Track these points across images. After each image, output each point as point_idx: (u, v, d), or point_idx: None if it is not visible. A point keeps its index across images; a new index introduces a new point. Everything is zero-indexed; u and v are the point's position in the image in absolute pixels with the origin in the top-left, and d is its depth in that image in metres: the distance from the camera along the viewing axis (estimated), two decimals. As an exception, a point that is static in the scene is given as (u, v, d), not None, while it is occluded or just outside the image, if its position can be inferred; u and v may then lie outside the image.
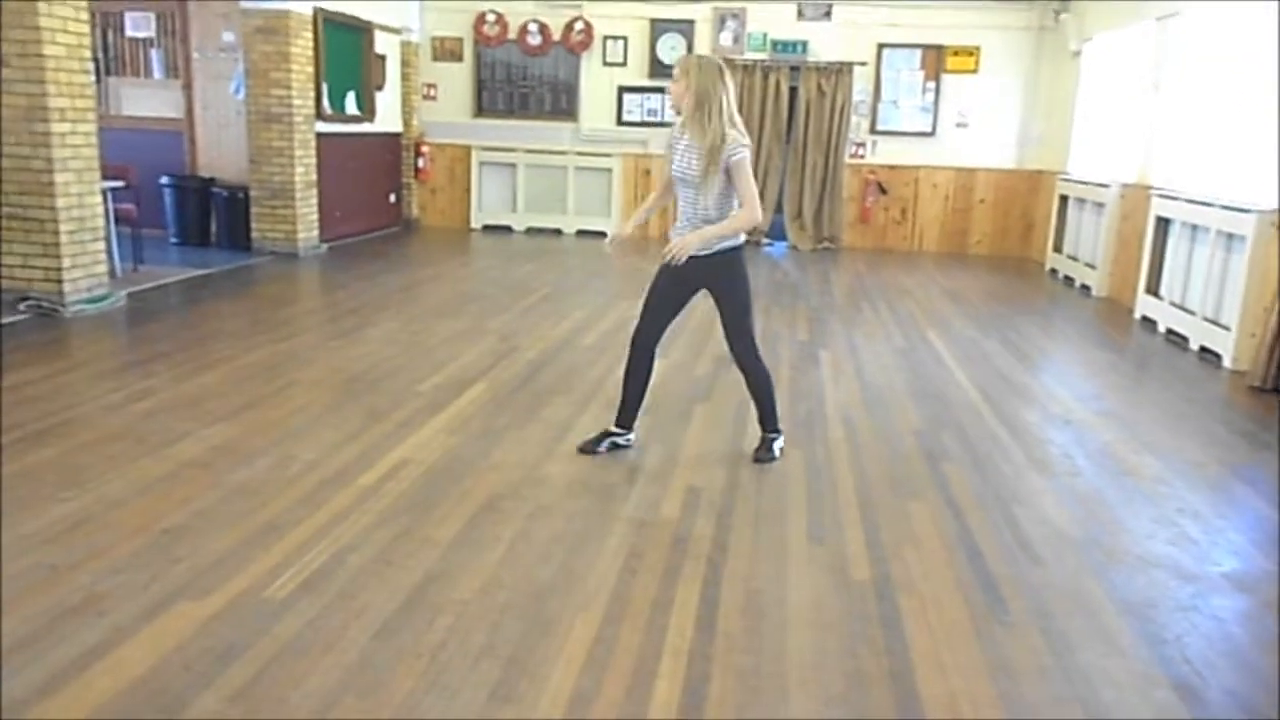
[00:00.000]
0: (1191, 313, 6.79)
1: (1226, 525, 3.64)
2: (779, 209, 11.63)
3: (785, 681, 2.46)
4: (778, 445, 4.13)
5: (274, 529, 3.22)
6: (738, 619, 2.76)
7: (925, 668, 2.54)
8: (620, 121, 11.69)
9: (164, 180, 9.31)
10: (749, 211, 3.75)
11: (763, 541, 3.30)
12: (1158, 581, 3.12)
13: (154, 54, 9.88)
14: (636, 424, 4.17)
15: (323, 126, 9.45)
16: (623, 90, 11.62)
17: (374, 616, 2.69)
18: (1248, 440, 4.77)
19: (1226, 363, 6.16)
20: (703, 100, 3.71)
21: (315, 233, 9.40)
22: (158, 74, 9.90)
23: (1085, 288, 8.98)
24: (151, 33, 9.80)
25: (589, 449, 4.08)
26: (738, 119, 3.80)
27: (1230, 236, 6.40)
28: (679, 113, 3.85)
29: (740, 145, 3.73)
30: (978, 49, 11.11)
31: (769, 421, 4.13)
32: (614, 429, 4.14)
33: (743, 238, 3.95)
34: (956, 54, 11.15)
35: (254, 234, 9.13)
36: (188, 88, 9.71)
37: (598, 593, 2.88)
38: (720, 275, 3.93)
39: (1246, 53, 6.82)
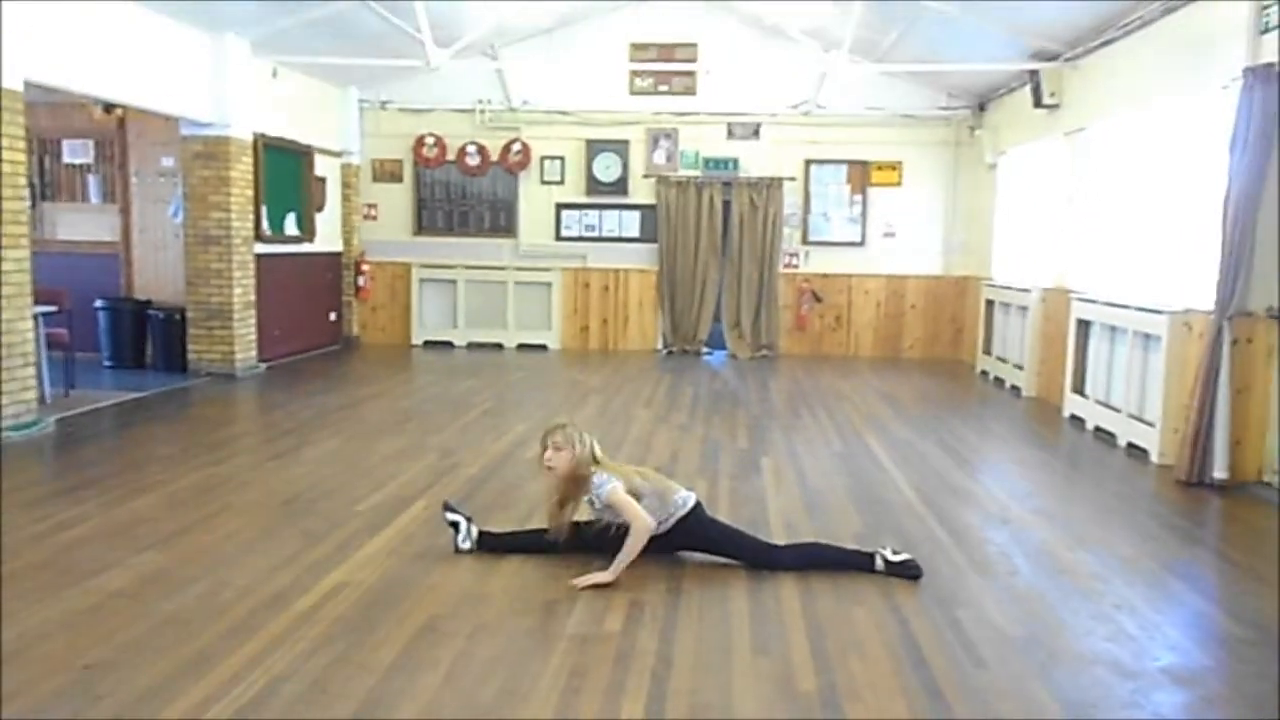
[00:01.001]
0: (1117, 410, 7.01)
1: (1162, 620, 3.69)
2: (717, 318, 11.86)
3: (733, 799, 2.41)
4: (889, 555, 4.06)
5: (204, 660, 3.12)
6: (683, 735, 2.72)
7: (873, 778, 2.52)
8: (559, 237, 11.93)
9: (98, 303, 9.23)
10: (637, 531, 3.89)
11: (707, 654, 3.27)
12: (1099, 679, 3.15)
13: (91, 179, 9.91)
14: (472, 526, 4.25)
15: (262, 248, 9.49)
16: (560, 207, 11.90)
17: (309, 749, 2.59)
18: (1178, 534, 4.88)
19: (1153, 458, 6.34)
20: (580, 471, 4.03)
21: (253, 353, 9.33)
22: (95, 199, 9.92)
23: (1015, 388, 9.23)
24: (89, 159, 9.85)
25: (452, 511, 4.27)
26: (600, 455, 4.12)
27: (1147, 336, 6.67)
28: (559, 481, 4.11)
29: (598, 482, 4.00)
30: (900, 163, 11.63)
31: (863, 559, 4.09)
32: (465, 520, 4.24)
33: (690, 503, 4.11)
34: (880, 168, 11.65)
35: (190, 355, 9.03)
36: (125, 212, 9.75)
37: (540, 713, 2.82)
38: (692, 539, 4.13)
39: (1148, 163, 7.26)
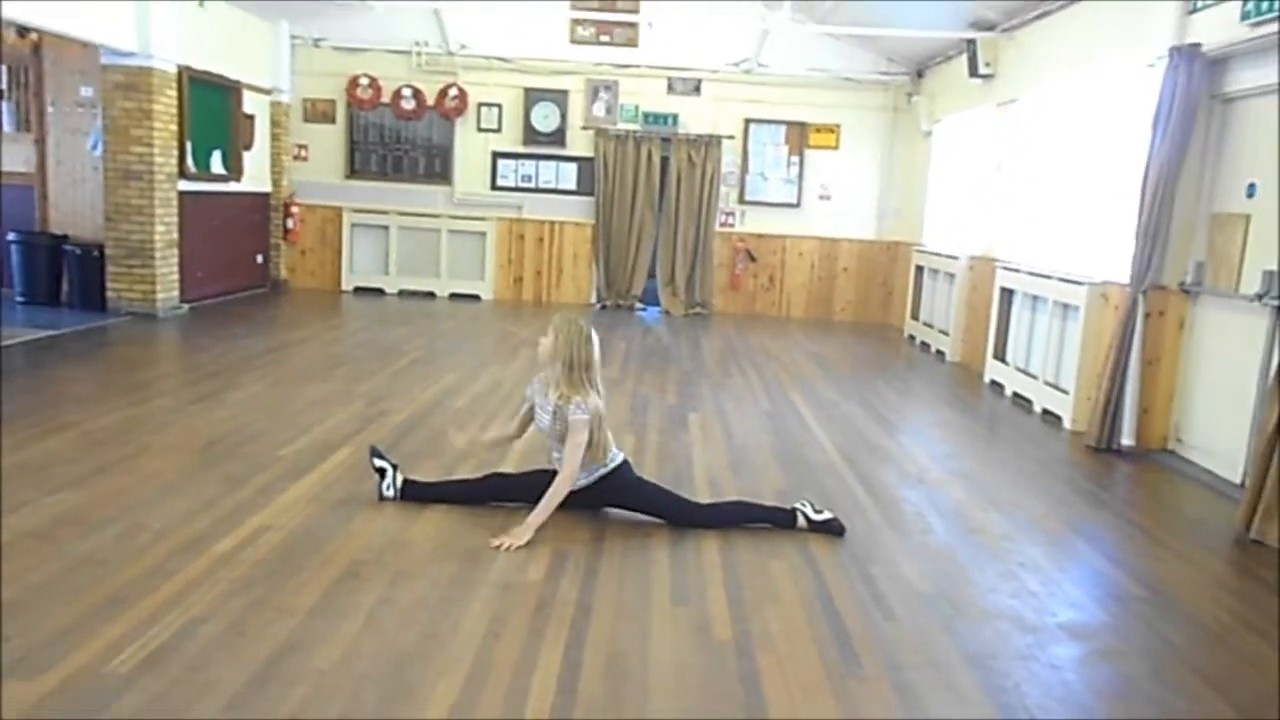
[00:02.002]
0: (1034, 377, 7.23)
1: (1064, 578, 3.86)
2: (652, 274, 11.88)
3: (646, 742, 2.48)
4: (810, 513, 4.15)
5: (119, 601, 3.08)
6: (600, 682, 2.78)
7: (782, 723, 2.61)
8: (494, 186, 11.79)
9: (11, 236, 8.88)
10: (561, 480, 3.92)
11: (627, 603, 3.33)
12: (1001, 633, 3.28)
13: (4, 106, 9.49)
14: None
15: (186, 185, 9.20)
16: (497, 156, 11.74)
17: (224, 690, 2.59)
18: (1084, 498, 5.08)
19: (1066, 424, 6.56)
20: (565, 361, 3.96)
21: (175, 293, 9.09)
22: (7, 127, 9.50)
23: (940, 353, 9.45)
24: (2, 85, 9.41)
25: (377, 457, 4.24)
26: (598, 379, 4.04)
27: (1066, 306, 6.87)
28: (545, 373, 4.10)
29: (580, 407, 3.92)
30: (838, 126, 11.70)
31: (785, 516, 4.16)
32: (391, 468, 4.22)
33: (617, 460, 4.11)
34: (819, 131, 11.71)
35: (109, 294, 8.76)
36: (40, 142, 9.35)
37: (459, 658, 2.86)
38: (616, 496, 4.14)
39: (1074, 137, 7.43)
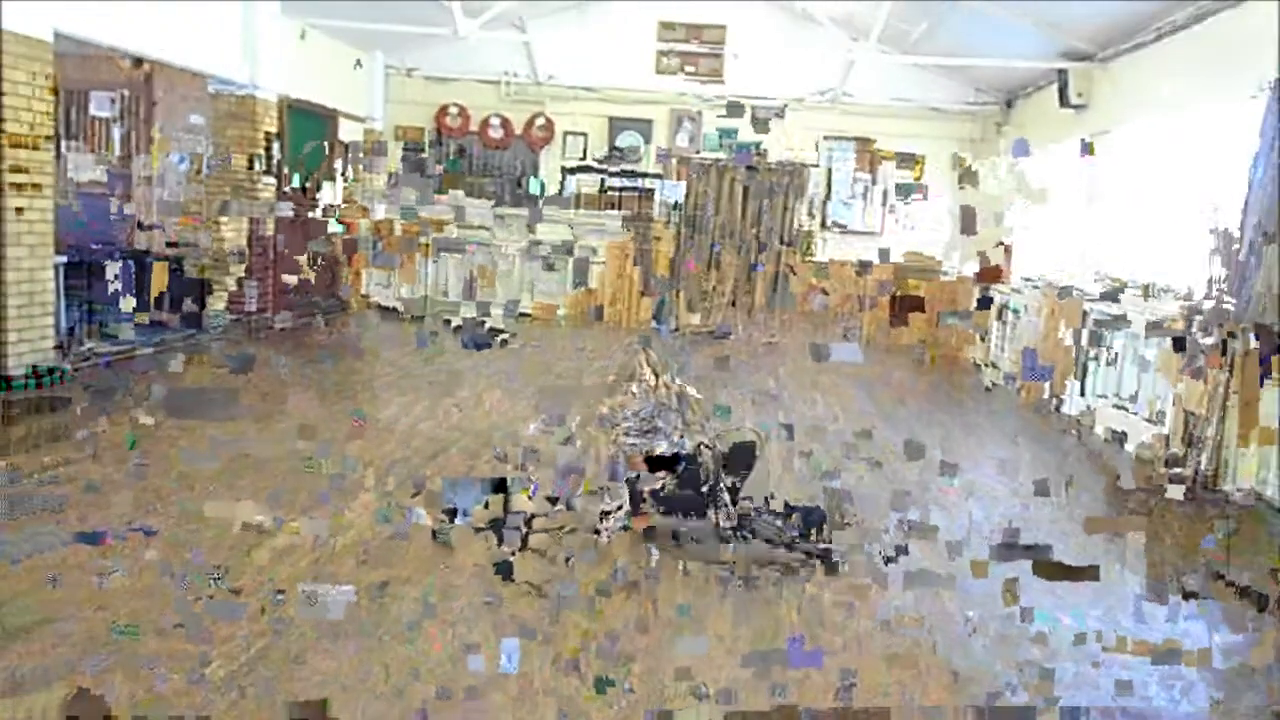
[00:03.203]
0: (1127, 410, 7.03)
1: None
2: (732, 303, 11.88)
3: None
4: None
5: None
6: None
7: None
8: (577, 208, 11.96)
9: (117, 254, 9.29)
10: None
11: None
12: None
13: (115, 131, 9.98)
14: None
15: (284, 207, 9.54)
16: (566, 171, 11.92)
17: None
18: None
19: (1157, 462, 6.35)
20: None
21: (269, 310, 9.41)
22: (118, 152, 9.99)
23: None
24: (115, 113, 9.91)
25: None
26: None
27: (1156, 338, 6.66)
28: None
29: None
30: (922, 158, 11.60)
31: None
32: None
33: None
34: (901, 162, 11.62)
35: (206, 309, 9.12)
36: (146, 164, 9.80)
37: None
38: None
39: (1170, 170, 7.24)
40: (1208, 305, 6.19)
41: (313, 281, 10.50)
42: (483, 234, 11.89)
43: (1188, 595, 3.77)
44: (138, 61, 9.35)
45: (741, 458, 4.36)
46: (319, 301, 10.64)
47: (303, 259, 10.11)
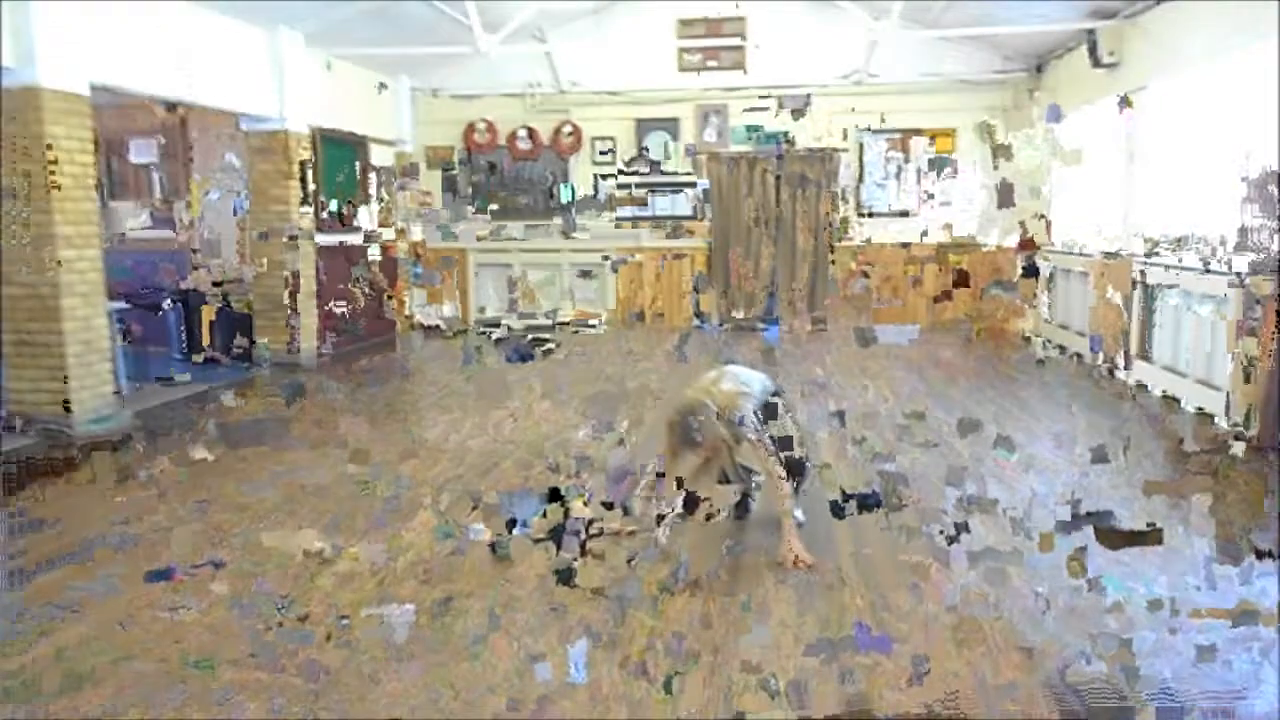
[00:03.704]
0: (1184, 375, 6.88)
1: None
2: (771, 294, 11.81)
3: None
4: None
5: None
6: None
7: None
8: (612, 217, 11.97)
9: (166, 299, 9.51)
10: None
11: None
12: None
13: (156, 177, 10.21)
14: None
15: (321, 238, 9.69)
16: (612, 199, 11.94)
17: None
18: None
19: (1222, 423, 6.21)
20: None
21: (314, 343, 9.55)
22: (159, 196, 10.21)
23: (1079, 356, 9.08)
24: (154, 158, 10.14)
25: None
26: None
27: (1214, 299, 6.52)
28: None
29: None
30: (954, 130, 11.44)
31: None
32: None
33: None
34: (934, 136, 11.47)
35: (256, 346, 9.27)
36: (188, 206, 10.00)
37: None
38: None
39: (1209, 124, 7.06)
40: (1249, 257, 6.05)
41: (359, 307, 10.65)
42: (518, 248, 11.99)
43: (1260, 555, 3.67)
44: (171, 106, 9.54)
45: (792, 470, 4.33)
46: (364, 326, 10.78)
47: (348, 285, 10.26)
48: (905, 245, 11.56)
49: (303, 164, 9.23)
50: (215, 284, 9.62)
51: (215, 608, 3.60)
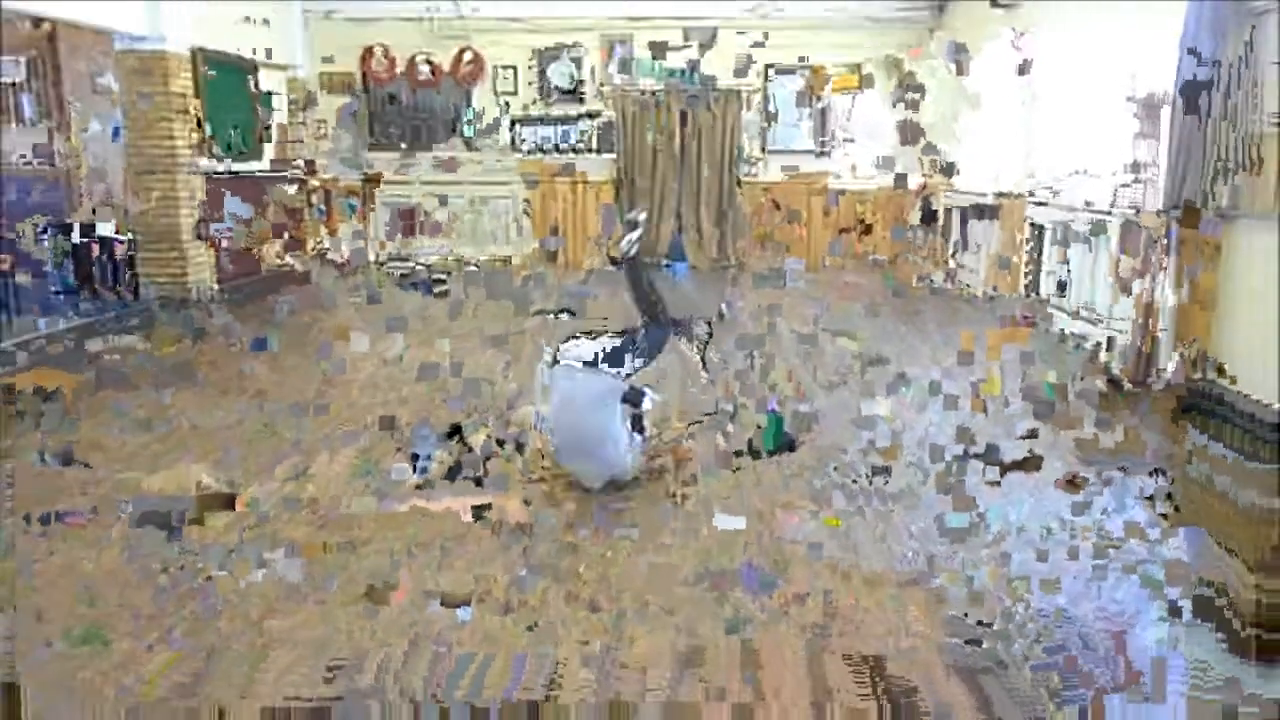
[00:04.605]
0: (1070, 311, 7.13)
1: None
2: (678, 230, 11.78)
3: None
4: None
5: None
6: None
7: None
8: (515, 149, 11.72)
9: (42, 229, 8.98)
10: None
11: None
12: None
13: (25, 98, 9.57)
14: None
15: (208, 167, 9.24)
16: (515, 121, 11.67)
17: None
18: (1115, 429, 4.99)
19: (1102, 356, 6.45)
20: None
21: (206, 275, 9.16)
22: (29, 118, 9.59)
23: (981, 295, 9.31)
24: (21, 77, 9.49)
25: None
26: None
27: (1095, 236, 6.73)
28: None
29: None
30: (859, 67, 11.48)
31: None
32: None
33: None
34: (839, 74, 11.49)
35: (141, 280, 8.86)
36: (63, 131, 9.42)
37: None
38: None
39: (1101, 60, 7.21)
40: (1134, 191, 6.27)
41: (258, 244, 10.25)
42: (420, 180, 11.67)
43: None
44: (37, 22, 8.91)
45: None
46: (264, 264, 10.39)
47: (244, 220, 9.84)
48: (813, 183, 11.64)
49: (183, 91, 8.73)
50: (98, 217, 9.13)
51: (105, 552, 3.45)
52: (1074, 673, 2.68)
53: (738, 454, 4.47)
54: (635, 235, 4.47)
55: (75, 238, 8.91)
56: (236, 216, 9.61)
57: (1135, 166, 6.42)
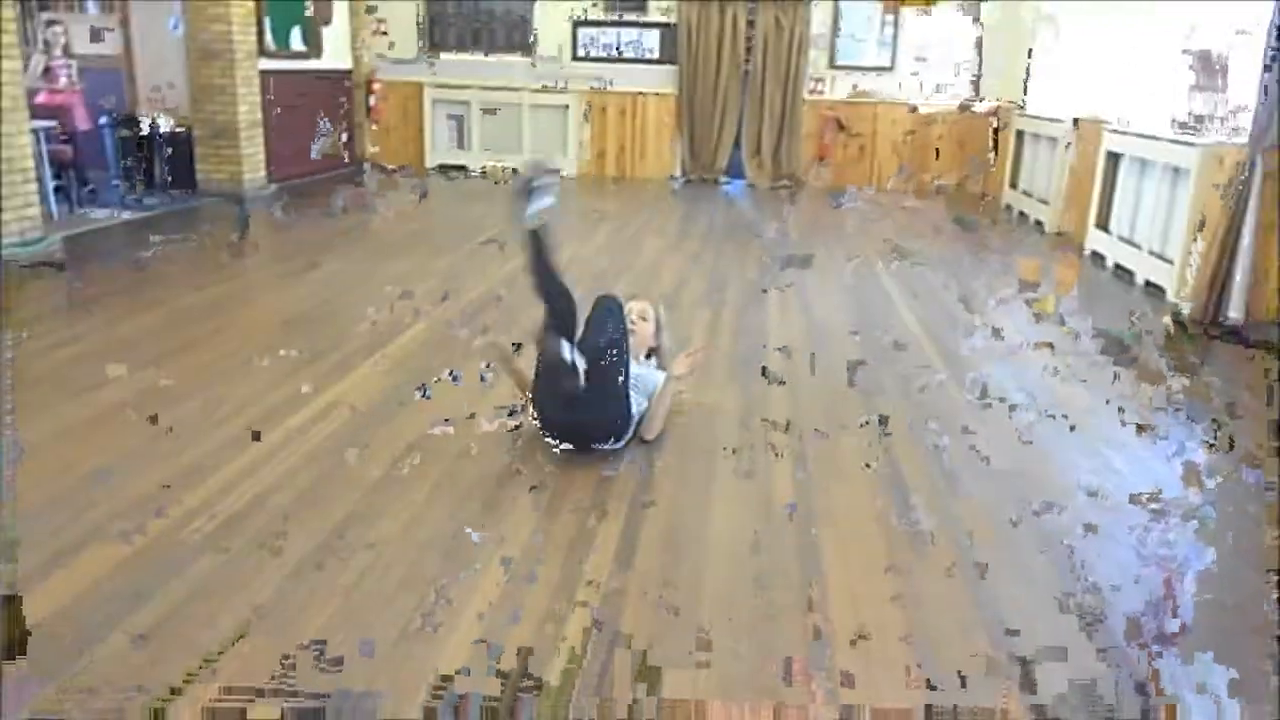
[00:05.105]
0: (1138, 246, 6.82)
1: (1149, 456, 3.69)
2: (736, 145, 11.50)
3: (698, 613, 2.47)
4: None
5: (198, 470, 3.19)
6: (656, 555, 2.77)
7: (839, 598, 2.57)
8: (575, 57, 11.47)
9: (103, 121, 9.04)
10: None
11: (689, 478, 3.31)
12: (1077, 510, 3.16)
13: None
14: None
15: (267, 64, 9.19)
16: (577, 24, 11.39)
17: (291, 556, 2.67)
18: (1182, 374, 4.82)
19: (1170, 296, 6.20)
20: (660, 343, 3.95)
21: (262, 173, 9.19)
22: (92, 9, 9.58)
23: (1039, 223, 8.99)
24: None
25: None
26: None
27: (1176, 170, 6.41)
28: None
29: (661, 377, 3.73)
30: (936, -17, 10.97)
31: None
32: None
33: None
34: (914, -12, 11.00)
35: (199, 175, 8.91)
36: (124, 24, 9.40)
37: (519, 530, 2.88)
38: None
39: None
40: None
41: (320, 144, 10.27)
42: (479, 85, 11.49)
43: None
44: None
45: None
46: (324, 162, 10.41)
47: (309, 118, 9.83)
48: (880, 103, 11.26)
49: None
50: (159, 110, 9.16)
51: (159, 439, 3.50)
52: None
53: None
54: (545, 203, 3.23)
55: (134, 131, 8.94)
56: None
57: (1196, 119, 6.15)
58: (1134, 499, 3.25)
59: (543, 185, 3.24)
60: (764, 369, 4.47)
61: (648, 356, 3.90)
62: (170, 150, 9.01)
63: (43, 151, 6.88)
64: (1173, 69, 6.58)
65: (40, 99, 7.54)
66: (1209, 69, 6.09)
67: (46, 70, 7.73)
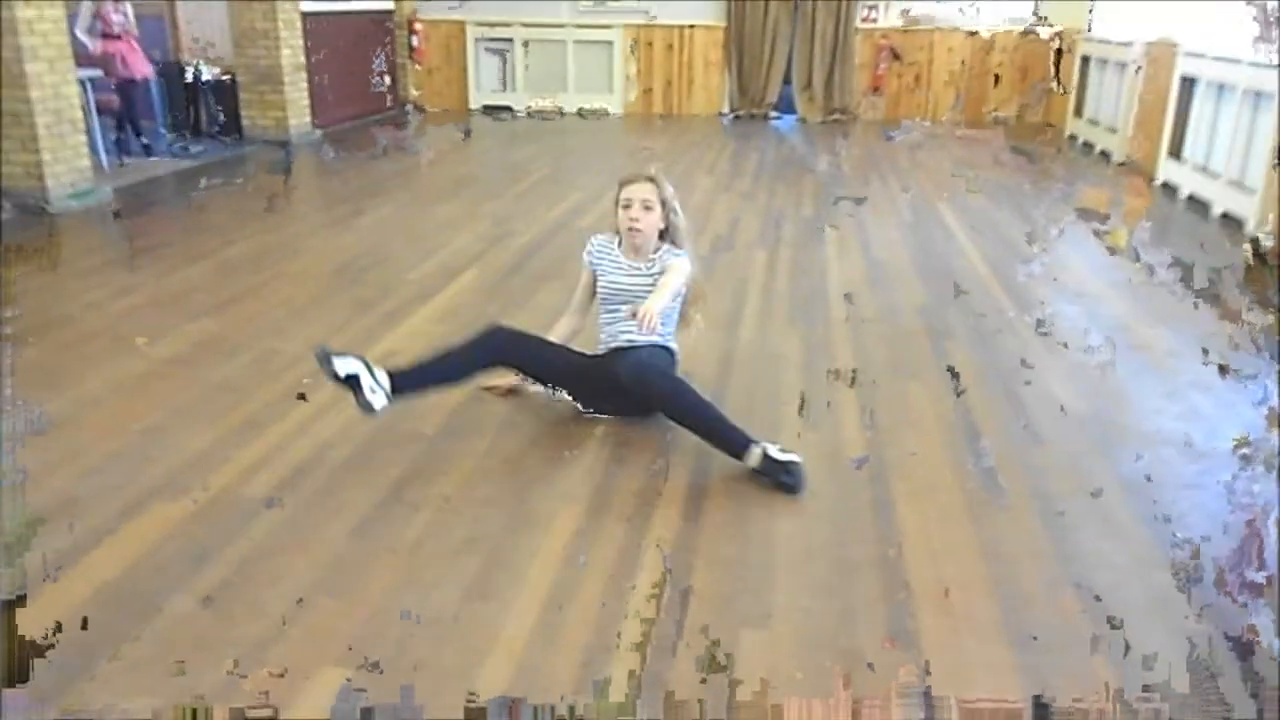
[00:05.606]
0: (1215, 176, 6.51)
1: (1239, 400, 3.51)
2: (787, 79, 11.16)
3: (771, 571, 2.39)
4: (772, 451, 2.84)
5: (254, 426, 3.15)
6: (723, 509, 2.68)
7: (916, 553, 2.46)
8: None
9: (153, 71, 8.98)
10: (666, 287, 3.14)
11: (754, 427, 3.20)
12: (1164, 458, 3.01)
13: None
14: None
15: (309, 5, 9.06)
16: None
17: (352, 514, 2.62)
18: (1266, 310, 4.59)
19: (1250, 228, 5.91)
20: (672, 225, 3.33)
21: (307, 119, 9.11)
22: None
23: (1105, 154, 8.63)
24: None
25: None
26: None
27: (1258, 95, 6.07)
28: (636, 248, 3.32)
29: (687, 257, 3.32)
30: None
31: (737, 442, 2.90)
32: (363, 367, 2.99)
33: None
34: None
35: (244, 122, 8.86)
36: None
37: (582, 485, 2.81)
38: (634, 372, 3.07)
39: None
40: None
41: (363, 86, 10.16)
42: (521, 23, 11.25)
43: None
44: None
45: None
46: (368, 105, 10.30)
47: (352, 61, 9.70)
48: (935, 30, 10.84)
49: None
50: (202, 57, 9.09)
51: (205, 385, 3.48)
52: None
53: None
54: (347, 363, 2.95)
55: (179, 79, 8.89)
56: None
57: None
58: (1237, 444, 3.09)
59: (339, 363, 2.95)
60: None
61: (660, 237, 3.35)
62: (214, 98, 8.97)
63: (90, 101, 6.84)
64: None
65: (98, 48, 7.48)
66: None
67: (96, 17, 7.65)
